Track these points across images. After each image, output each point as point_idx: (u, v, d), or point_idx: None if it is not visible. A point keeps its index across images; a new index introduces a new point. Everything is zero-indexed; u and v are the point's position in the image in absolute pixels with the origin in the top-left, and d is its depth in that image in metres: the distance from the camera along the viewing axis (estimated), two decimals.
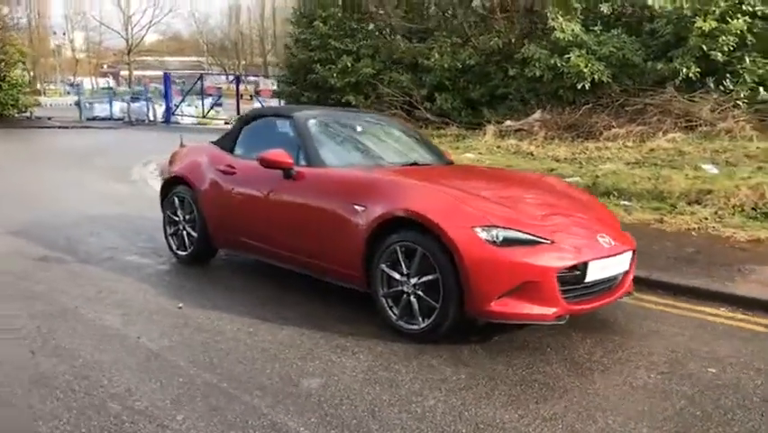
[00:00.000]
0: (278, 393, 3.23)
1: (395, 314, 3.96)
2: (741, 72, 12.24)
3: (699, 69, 12.23)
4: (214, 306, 4.54)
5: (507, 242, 3.63)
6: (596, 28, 13.70)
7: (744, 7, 12.08)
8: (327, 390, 3.26)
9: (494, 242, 3.61)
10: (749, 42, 12.15)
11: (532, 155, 10.43)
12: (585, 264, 3.73)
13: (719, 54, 12.13)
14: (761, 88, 12.25)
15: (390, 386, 3.32)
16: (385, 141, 5.38)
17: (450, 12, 15.82)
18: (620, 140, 10.53)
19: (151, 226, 6.70)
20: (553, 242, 3.72)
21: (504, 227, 3.69)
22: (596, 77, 12.94)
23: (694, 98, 12.09)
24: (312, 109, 5.61)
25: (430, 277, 3.75)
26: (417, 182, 4.14)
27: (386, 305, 4.01)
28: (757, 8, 12.16)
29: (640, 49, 13.31)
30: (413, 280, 3.84)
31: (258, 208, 4.82)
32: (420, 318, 3.83)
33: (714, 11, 12.03)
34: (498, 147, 11.16)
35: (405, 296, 3.90)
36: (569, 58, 12.99)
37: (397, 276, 3.93)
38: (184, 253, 5.54)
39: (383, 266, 3.98)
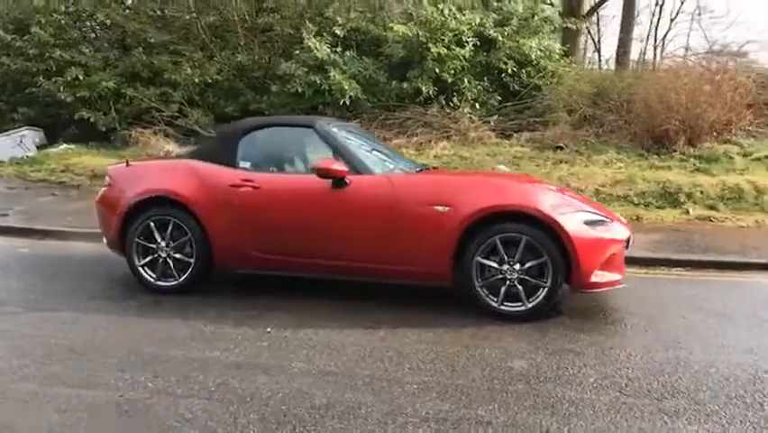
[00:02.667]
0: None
1: (495, 300, 4.46)
2: (463, 91, 14.77)
3: (436, 88, 14.39)
4: (300, 324, 4.40)
5: (592, 223, 4.48)
6: (337, 49, 14.99)
7: (462, 38, 14.62)
8: (531, 369, 3.71)
9: (587, 223, 4.43)
10: (465, 67, 14.73)
11: None
12: (629, 236, 4.78)
13: (448, 76, 14.43)
14: (476, 104, 14.95)
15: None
16: (380, 147, 5.67)
17: (195, 25, 15.47)
18: (403, 149, 11.91)
19: None
20: (612, 220, 4.70)
21: (587, 211, 4.53)
22: (352, 94, 14.22)
23: (427, 112, 14.15)
24: (306, 117, 5.61)
25: (537, 261, 4.37)
26: (506, 181, 4.71)
27: (483, 294, 4.48)
28: (470, 39, 14.81)
29: (381, 69, 15.01)
30: (517, 267, 4.40)
31: (299, 221, 4.74)
32: (525, 299, 4.41)
33: (443, 39, 14.31)
34: None
35: (507, 282, 4.43)
36: (329, 75, 14.01)
37: (495, 265, 4.43)
38: (170, 284, 5.04)
39: (478, 258, 4.44)
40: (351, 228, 4.68)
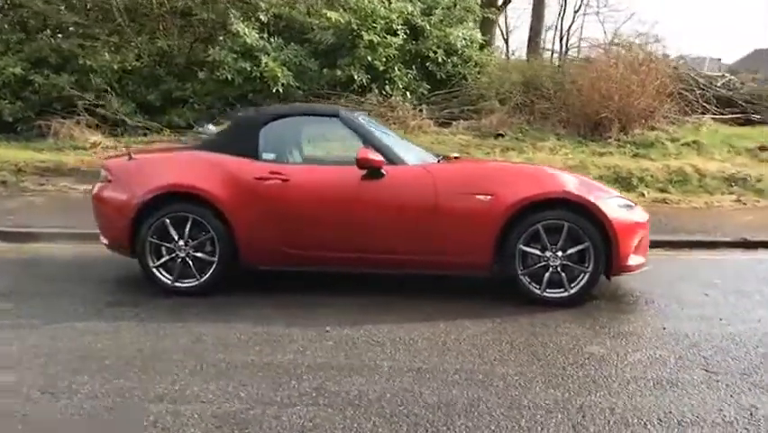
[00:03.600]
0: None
1: (537, 288, 4.53)
2: (395, 79, 14.83)
3: (369, 76, 14.33)
4: (354, 321, 4.29)
5: (625, 207, 4.65)
6: (264, 35, 14.60)
7: (393, 26, 14.65)
8: (609, 353, 3.85)
9: (621, 207, 4.60)
10: (396, 55, 14.77)
11: None
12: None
13: (379, 64, 14.42)
14: (407, 93, 15.06)
15: None
16: (396, 136, 5.57)
17: (110, 7, 14.47)
18: None
19: None
20: (634, 204, 4.90)
21: (616, 195, 4.70)
22: (285, 81, 13.90)
23: (363, 100, 14.12)
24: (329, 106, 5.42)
25: (579, 247, 4.48)
26: (541, 169, 4.77)
27: (525, 282, 4.54)
28: (400, 28, 14.85)
29: (310, 56, 14.77)
30: (559, 253, 4.49)
31: (334, 214, 4.60)
32: (568, 285, 4.52)
33: (375, 27, 14.27)
34: None
35: (549, 269, 4.51)
36: (261, 62, 13.61)
37: (537, 252, 4.51)
38: (190, 284, 4.72)
39: (521, 246, 4.50)
40: (389, 220, 4.58)
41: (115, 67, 13.95)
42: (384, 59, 14.44)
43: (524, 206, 4.47)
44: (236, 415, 2.96)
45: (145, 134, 12.97)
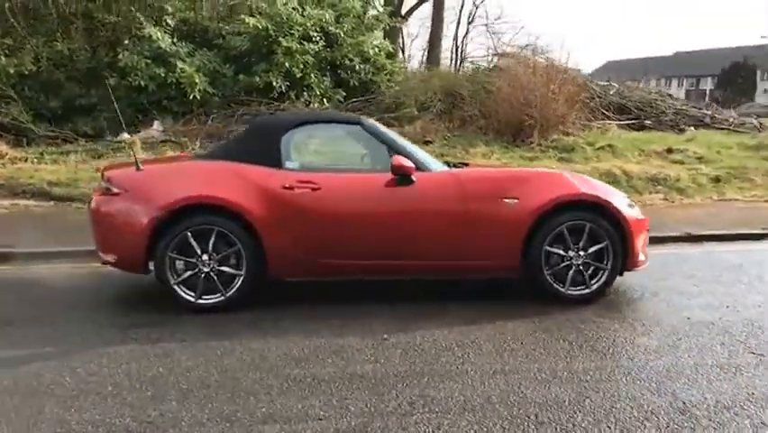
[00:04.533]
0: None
1: (561, 286, 4.76)
2: (312, 86, 14.80)
3: (288, 83, 14.20)
4: (403, 328, 4.30)
5: (630, 206, 4.99)
6: (174, 40, 14.06)
7: (310, 33, 14.61)
8: (660, 345, 4.10)
9: (630, 207, 4.93)
10: (313, 62, 14.75)
11: None
12: None
13: (297, 71, 14.32)
14: (324, 100, 15.07)
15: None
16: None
17: (5, 9, 13.28)
18: None
19: None
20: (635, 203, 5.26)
21: (624, 196, 5.03)
22: (201, 87, 13.46)
23: (281, 107, 13.97)
24: (350, 114, 5.35)
25: (599, 246, 4.76)
26: (570, 174, 4.98)
27: (550, 281, 4.76)
28: (316, 35, 14.83)
29: (225, 62, 14.40)
30: (581, 253, 4.75)
31: (367, 222, 4.58)
32: (591, 282, 4.78)
33: (293, 33, 14.17)
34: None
35: (573, 267, 4.76)
36: (176, 68, 13.10)
37: (561, 252, 4.74)
38: (215, 300, 4.52)
39: (546, 247, 4.72)
40: (421, 226, 4.62)
41: (11, 71, 12.86)
42: (302, 66, 14.36)
43: (548, 208, 4.65)
44: (362, 429, 2.89)
45: (56, 144, 12.04)
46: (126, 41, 14.12)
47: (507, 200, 4.65)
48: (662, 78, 54.05)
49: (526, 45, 17.28)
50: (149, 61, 13.12)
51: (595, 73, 31.52)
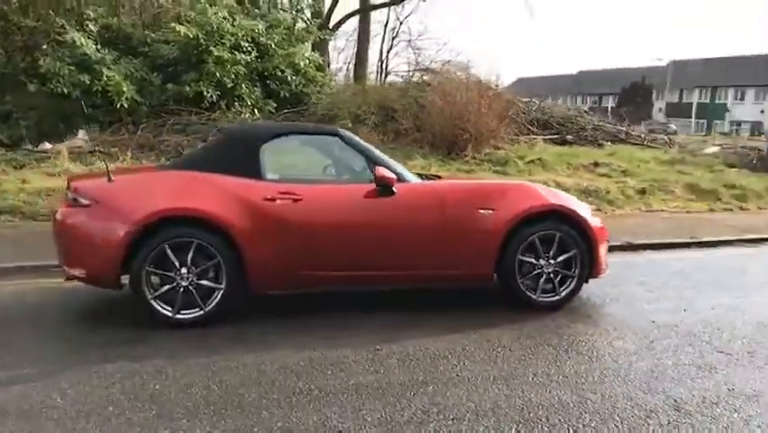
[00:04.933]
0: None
1: (533, 293, 4.94)
2: (243, 97, 14.64)
3: (219, 93, 13.97)
4: (406, 337, 4.34)
5: (593, 216, 5.24)
6: (97, 47, 13.58)
7: (241, 43, 14.44)
8: (636, 348, 4.33)
9: (593, 217, 5.19)
10: (244, 72, 14.59)
11: None
12: None
13: (228, 81, 14.13)
14: (256, 111, 14.92)
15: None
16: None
17: None
18: None
19: None
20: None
21: (586, 206, 5.29)
22: (129, 96, 13.04)
23: (212, 117, 13.74)
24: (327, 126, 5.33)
25: (568, 255, 4.97)
26: (536, 186, 5.15)
27: (522, 288, 4.93)
28: (247, 45, 14.68)
29: (152, 70, 14.01)
30: (552, 261, 4.95)
31: (349, 233, 4.60)
32: (560, 289, 4.99)
33: (224, 43, 13.97)
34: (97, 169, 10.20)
35: (543, 275, 4.95)
36: (102, 75, 12.64)
37: (533, 261, 4.92)
38: (193, 315, 4.40)
39: (519, 256, 4.89)
40: (402, 237, 4.67)
41: None
42: (233, 76, 14.18)
43: (522, 218, 4.82)
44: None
45: None
46: (45, 46, 13.47)
47: (483, 211, 4.77)
48: (568, 96, 56.74)
49: (448, 61, 17.75)
50: (72, 68, 12.60)
51: (507, 89, 32.68)
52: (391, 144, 13.34)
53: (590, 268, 5.03)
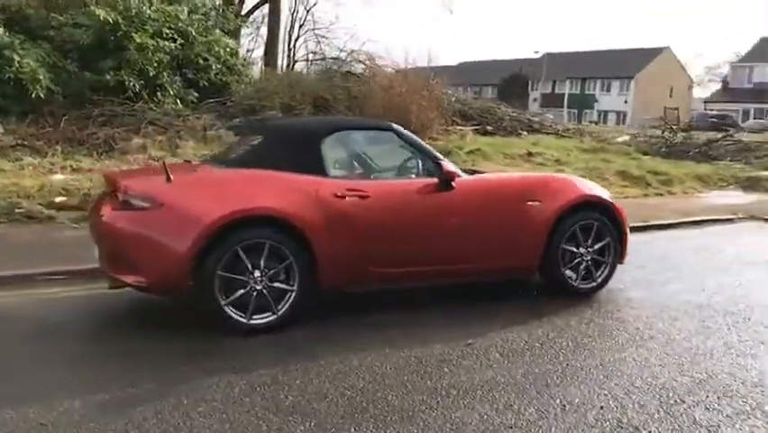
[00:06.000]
0: None
1: (574, 280, 5.17)
2: (166, 86, 13.93)
3: (142, 81, 13.19)
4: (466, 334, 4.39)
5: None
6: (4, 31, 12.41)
7: (163, 30, 13.71)
8: (667, 329, 4.66)
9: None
10: (167, 60, 13.87)
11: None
12: None
13: (151, 69, 13.38)
14: (178, 100, 14.24)
15: None
16: None
17: None
18: (151, 151, 10.80)
19: None
20: None
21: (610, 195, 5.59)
22: (45, 84, 12.04)
23: (134, 107, 12.96)
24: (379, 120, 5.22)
25: (603, 242, 5.24)
26: (575, 177, 5.34)
27: (566, 276, 5.14)
28: (169, 32, 13.95)
29: (66, 57, 13.01)
30: (590, 249, 5.20)
31: (415, 228, 4.60)
32: (596, 275, 5.25)
33: (146, 29, 13.20)
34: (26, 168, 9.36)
35: (583, 263, 5.19)
36: (13, 61, 11.58)
37: (574, 249, 5.15)
38: (267, 319, 4.22)
39: (563, 246, 5.10)
40: (460, 230, 4.71)
41: None
42: (155, 65, 13.43)
43: (566, 209, 5.01)
44: (580, 422, 2.96)
45: None
46: None
47: (532, 203, 4.91)
48: (451, 86, 58.27)
49: (352, 51, 17.78)
50: None
51: None
52: None
53: (620, 255, 5.30)
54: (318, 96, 13.93)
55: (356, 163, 4.82)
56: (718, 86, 55.48)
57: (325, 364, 3.66)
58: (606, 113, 53.23)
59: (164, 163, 4.25)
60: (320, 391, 3.31)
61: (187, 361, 3.68)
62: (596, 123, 47.57)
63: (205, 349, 3.87)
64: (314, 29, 24.71)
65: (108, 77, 12.74)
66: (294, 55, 24.97)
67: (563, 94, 54.63)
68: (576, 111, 53.66)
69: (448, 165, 4.59)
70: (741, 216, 9.59)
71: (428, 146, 4.88)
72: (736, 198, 11.27)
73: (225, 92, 15.12)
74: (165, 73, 13.80)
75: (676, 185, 11.54)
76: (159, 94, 13.72)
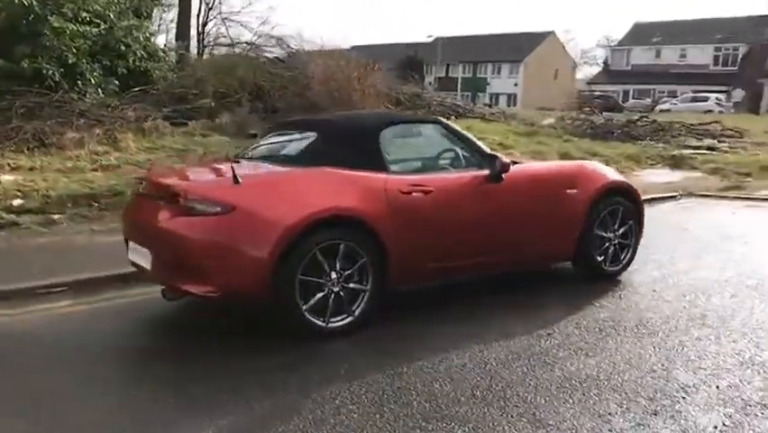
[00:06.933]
0: None
1: (604, 264, 5.37)
2: (86, 75, 13.02)
3: (62, 69, 12.25)
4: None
5: None
6: None
7: (82, 13, 12.77)
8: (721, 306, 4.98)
9: None
10: (86, 46, 12.95)
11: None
12: None
13: (70, 56, 12.46)
14: (100, 90, 13.35)
15: None
16: None
17: None
18: (90, 146, 10.07)
19: None
20: None
21: None
22: None
23: (62, 99, 12.02)
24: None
25: (626, 226, 5.45)
26: (602, 166, 5.48)
27: (598, 260, 5.31)
28: (87, 15, 13.00)
29: None
30: (617, 234, 5.40)
31: (473, 221, 4.59)
32: (621, 258, 5.47)
33: (66, 12, 12.25)
34: None
35: (611, 247, 5.38)
36: None
37: (604, 234, 5.33)
38: (344, 322, 4.09)
39: (596, 231, 5.27)
40: (511, 220, 4.74)
41: None
42: (75, 51, 12.51)
43: (598, 195, 5.16)
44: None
45: None
46: None
47: (569, 191, 5.02)
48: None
49: (259, 36, 17.39)
50: None
51: None
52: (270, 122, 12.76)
53: (638, 237, 5.54)
54: (254, 85, 13.45)
55: (409, 158, 4.71)
56: (593, 68, 59.04)
57: (429, 362, 3.58)
58: (497, 95, 55.02)
59: (231, 164, 3.94)
60: (445, 391, 3.24)
61: (290, 373, 3.47)
62: (489, 105, 49.16)
63: (300, 356, 3.68)
64: (221, 13, 23.75)
65: (24, 65, 11.70)
66: (204, 40, 23.94)
67: (457, 78, 55.89)
68: (470, 94, 55.12)
69: (504, 158, 4.59)
70: (681, 192, 10.25)
71: (474, 138, 4.84)
72: (666, 175, 12.03)
73: (145, 79, 14.26)
74: (84, 60, 12.85)
75: (612, 165, 12.11)
76: (80, 83, 12.76)
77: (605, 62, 55.93)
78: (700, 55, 47.92)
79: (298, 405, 3.11)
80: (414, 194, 4.26)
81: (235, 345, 3.95)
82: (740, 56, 46.72)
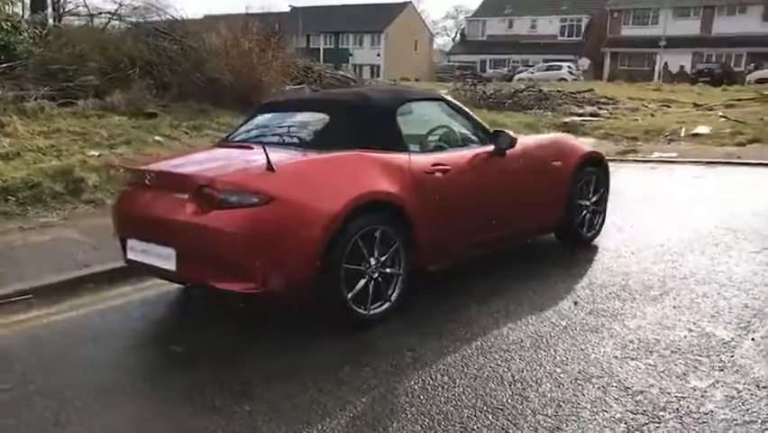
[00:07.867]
0: None
1: (583, 231, 5.60)
2: None
3: None
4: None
5: None
6: None
7: None
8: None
9: None
10: None
11: None
12: None
13: None
14: None
15: None
16: None
17: None
18: None
19: None
20: None
21: None
22: None
23: None
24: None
25: (599, 194, 5.70)
26: (574, 138, 5.66)
27: (579, 229, 5.55)
28: None
29: None
30: (591, 201, 5.66)
31: (486, 197, 4.63)
32: (595, 223, 5.73)
33: None
34: None
35: (588, 214, 5.63)
36: None
37: (582, 203, 5.56)
38: (382, 308, 3.97)
39: (578, 201, 5.50)
40: (516, 193, 4.81)
41: None
42: None
43: (578, 166, 5.36)
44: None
45: None
46: None
47: (555, 162, 5.18)
48: None
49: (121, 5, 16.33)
50: None
51: None
52: (176, 103, 11.95)
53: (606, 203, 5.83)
54: (143, 60, 12.47)
55: (421, 136, 4.59)
56: (444, 39, 60.88)
57: (479, 344, 3.60)
58: (360, 66, 55.13)
59: (265, 149, 3.60)
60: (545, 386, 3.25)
61: (358, 368, 3.32)
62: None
63: (354, 349, 3.52)
64: None
65: None
66: (59, 10, 21.65)
67: (319, 48, 55.31)
68: (333, 65, 54.75)
69: (510, 133, 4.62)
70: None
71: (475, 115, 4.83)
72: None
73: (7, 55, 12.77)
74: None
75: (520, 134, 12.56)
76: None
77: (462, 33, 57.76)
78: (549, 26, 50.89)
79: (394, 398, 2.97)
80: (436, 174, 4.18)
81: (275, 345, 3.69)
82: (583, 27, 50.14)
